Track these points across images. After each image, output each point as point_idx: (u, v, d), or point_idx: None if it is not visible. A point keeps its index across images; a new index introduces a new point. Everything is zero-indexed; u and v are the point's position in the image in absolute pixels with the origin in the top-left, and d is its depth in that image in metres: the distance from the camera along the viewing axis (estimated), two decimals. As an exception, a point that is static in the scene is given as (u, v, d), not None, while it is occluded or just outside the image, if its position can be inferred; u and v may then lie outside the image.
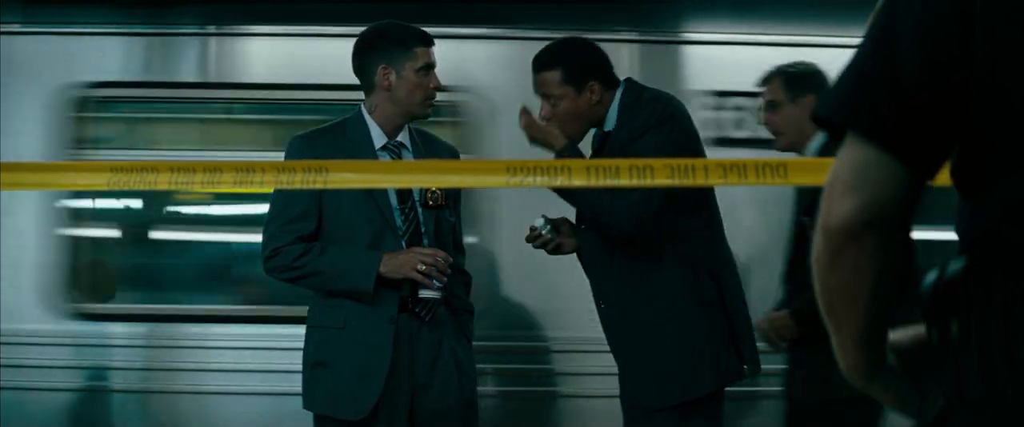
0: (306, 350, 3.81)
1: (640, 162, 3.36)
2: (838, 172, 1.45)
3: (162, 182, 3.42)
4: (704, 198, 3.75)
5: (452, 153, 3.96)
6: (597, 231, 3.69)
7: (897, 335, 1.56)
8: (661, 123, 3.61)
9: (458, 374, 3.78)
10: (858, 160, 1.44)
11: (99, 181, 3.56)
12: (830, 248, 1.46)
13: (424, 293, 3.71)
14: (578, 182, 3.38)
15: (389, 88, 3.75)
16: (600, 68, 3.75)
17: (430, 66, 3.77)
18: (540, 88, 3.74)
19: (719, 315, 3.67)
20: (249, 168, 3.43)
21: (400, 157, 3.81)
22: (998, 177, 1.40)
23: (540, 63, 3.74)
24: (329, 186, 3.42)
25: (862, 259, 1.45)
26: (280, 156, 3.89)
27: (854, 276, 1.46)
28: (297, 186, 3.41)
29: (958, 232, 1.47)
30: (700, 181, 3.31)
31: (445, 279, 3.70)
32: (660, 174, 3.29)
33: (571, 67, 3.70)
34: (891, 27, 1.44)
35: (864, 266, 1.45)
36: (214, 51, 5.28)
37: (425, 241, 3.75)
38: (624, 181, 3.32)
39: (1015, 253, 1.38)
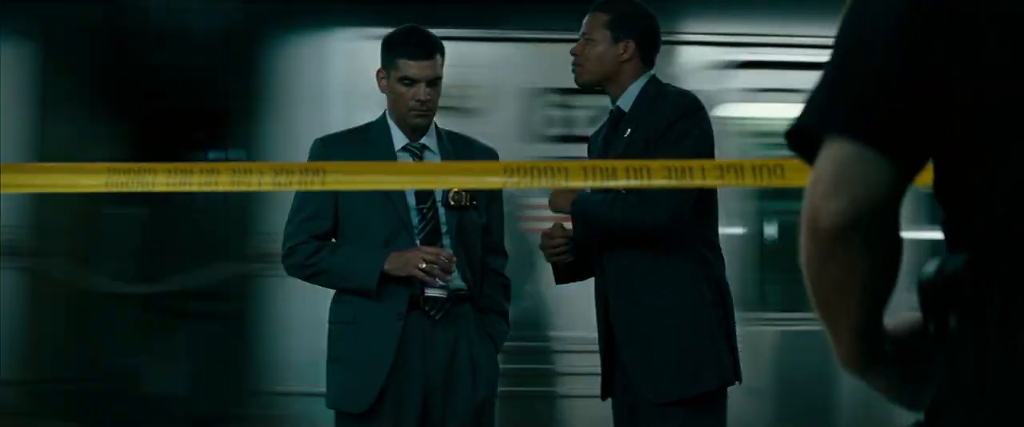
0: (327, 346, 3.85)
1: (637, 163, 3.36)
2: (820, 173, 1.44)
3: (159, 184, 3.41)
4: (713, 203, 3.78)
5: (487, 155, 3.92)
6: (631, 242, 3.66)
7: (894, 324, 1.56)
8: (694, 112, 3.67)
9: (473, 374, 3.78)
10: (838, 158, 1.42)
11: (96, 182, 3.55)
12: (820, 249, 1.45)
13: (429, 291, 3.73)
14: (575, 183, 3.38)
15: (383, 91, 3.83)
16: (645, 39, 3.79)
17: (412, 79, 3.74)
18: (585, 26, 3.81)
19: (720, 319, 3.69)
20: (246, 169, 3.42)
21: (421, 158, 3.82)
22: (995, 164, 1.39)
23: (598, 4, 3.83)
24: (326, 187, 3.42)
25: (852, 257, 1.44)
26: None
27: (846, 274, 1.46)
28: (294, 188, 3.43)
29: (951, 227, 1.47)
30: (697, 181, 3.30)
31: (449, 278, 3.71)
32: (657, 174, 3.29)
33: (620, 17, 3.77)
34: (857, 24, 1.44)
35: (855, 264, 1.45)
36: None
37: (446, 241, 3.75)
38: (622, 181, 3.32)
39: (1016, 245, 1.37)
